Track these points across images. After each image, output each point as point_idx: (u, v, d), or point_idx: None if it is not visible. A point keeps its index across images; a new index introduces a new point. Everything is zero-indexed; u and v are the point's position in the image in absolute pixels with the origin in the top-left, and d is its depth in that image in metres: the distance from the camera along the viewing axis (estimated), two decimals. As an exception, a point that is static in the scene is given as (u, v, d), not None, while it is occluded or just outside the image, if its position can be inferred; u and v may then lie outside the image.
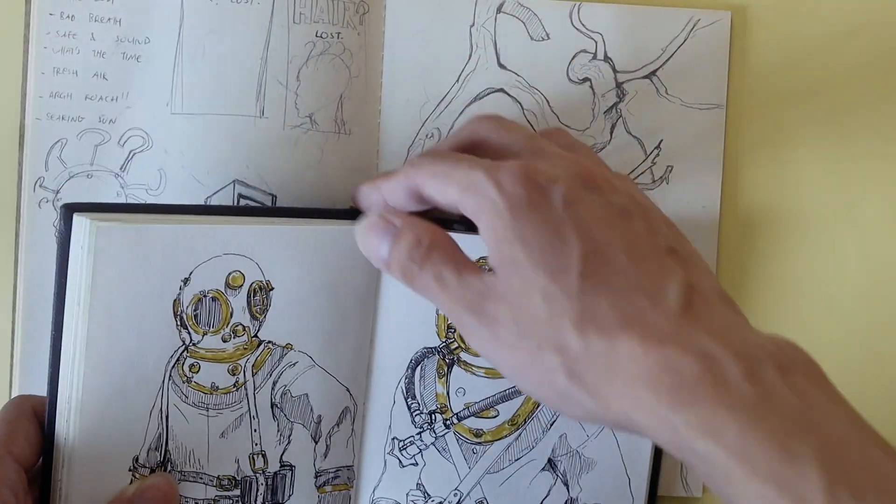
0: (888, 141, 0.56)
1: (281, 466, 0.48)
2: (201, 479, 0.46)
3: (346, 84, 0.53)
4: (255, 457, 0.47)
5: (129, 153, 0.52)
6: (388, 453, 0.51)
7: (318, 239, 0.46)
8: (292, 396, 0.48)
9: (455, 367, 0.50)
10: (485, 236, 0.39)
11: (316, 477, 0.49)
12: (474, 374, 0.50)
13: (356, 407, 0.50)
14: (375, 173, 0.53)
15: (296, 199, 0.51)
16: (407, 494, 0.51)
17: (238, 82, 0.52)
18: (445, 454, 0.51)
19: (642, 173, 0.55)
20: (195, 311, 0.44)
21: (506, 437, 0.51)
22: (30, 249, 0.51)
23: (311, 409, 0.48)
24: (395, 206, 0.43)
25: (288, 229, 0.46)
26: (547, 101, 0.55)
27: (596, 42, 0.54)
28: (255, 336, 0.46)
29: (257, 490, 0.48)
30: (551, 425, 0.51)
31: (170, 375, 0.45)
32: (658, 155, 0.55)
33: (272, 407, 0.47)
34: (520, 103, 0.54)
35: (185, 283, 0.44)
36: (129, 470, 0.44)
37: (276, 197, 0.51)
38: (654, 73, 0.55)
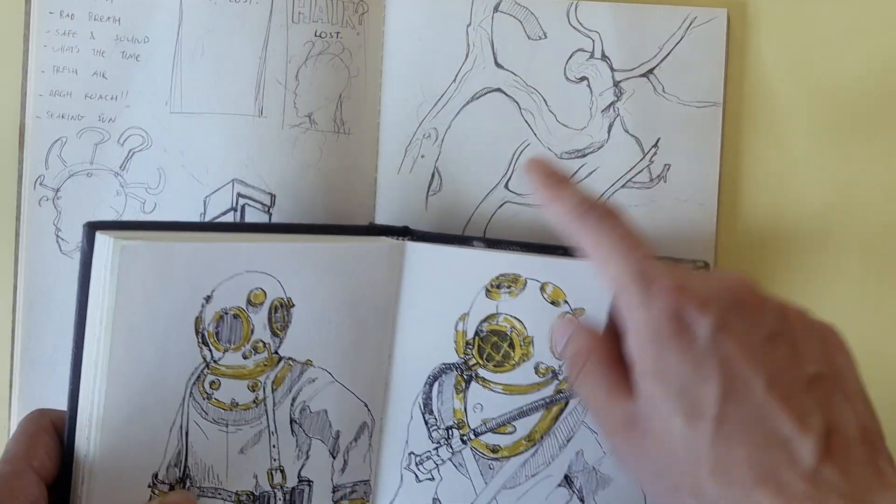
0: (886, 138, 0.56)
1: (299, 482, 0.48)
2: (220, 494, 0.46)
3: (345, 83, 0.53)
4: (274, 472, 0.47)
5: (129, 152, 0.52)
6: (405, 468, 0.51)
7: (338, 255, 0.46)
8: (311, 412, 0.48)
9: (473, 383, 0.50)
10: (629, 348, 0.40)
11: (333, 492, 0.49)
12: (492, 390, 0.50)
13: (374, 422, 0.50)
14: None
15: (295, 198, 0.52)
16: (423, 509, 0.51)
17: (237, 82, 0.52)
18: (462, 469, 0.51)
19: (640, 172, 0.55)
20: (216, 328, 0.44)
21: (523, 452, 0.51)
22: (30, 247, 0.52)
23: (330, 425, 0.48)
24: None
25: (309, 246, 0.46)
26: (544, 99, 0.54)
27: (593, 40, 0.54)
28: (276, 353, 0.46)
29: (275, 505, 0.48)
30: (568, 441, 0.51)
31: (190, 392, 0.45)
32: (656, 153, 0.55)
33: (291, 423, 0.47)
34: (517, 102, 0.54)
35: (207, 301, 0.44)
36: (149, 486, 0.44)
37: (274, 196, 0.52)
38: (651, 71, 0.55)
